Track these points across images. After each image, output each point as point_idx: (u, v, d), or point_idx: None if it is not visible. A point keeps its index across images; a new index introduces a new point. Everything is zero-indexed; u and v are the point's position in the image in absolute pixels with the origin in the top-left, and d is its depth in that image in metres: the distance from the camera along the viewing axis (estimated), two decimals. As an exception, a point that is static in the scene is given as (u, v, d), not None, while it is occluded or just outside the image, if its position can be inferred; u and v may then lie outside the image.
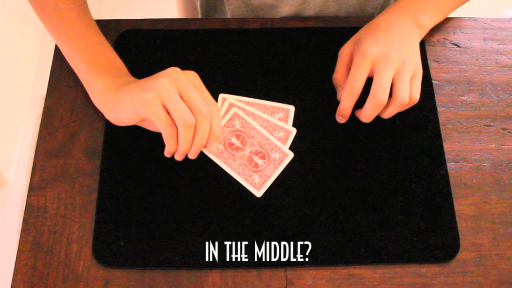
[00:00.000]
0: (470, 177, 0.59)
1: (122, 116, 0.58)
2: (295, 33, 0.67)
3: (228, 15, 0.77)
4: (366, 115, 0.59)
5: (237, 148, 0.57)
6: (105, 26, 0.68)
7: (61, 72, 0.65)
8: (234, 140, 0.56)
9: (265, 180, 0.56)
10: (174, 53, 0.66)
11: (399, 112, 0.61)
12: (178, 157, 0.57)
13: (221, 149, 0.57)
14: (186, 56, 0.66)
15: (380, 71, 0.58)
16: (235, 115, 0.57)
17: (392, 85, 0.58)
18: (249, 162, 0.56)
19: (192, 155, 0.57)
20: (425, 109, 0.63)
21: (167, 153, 0.57)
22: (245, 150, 0.56)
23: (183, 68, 0.58)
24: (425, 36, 0.66)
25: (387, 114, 0.60)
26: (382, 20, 0.62)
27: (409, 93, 0.58)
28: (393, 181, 0.58)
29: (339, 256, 0.55)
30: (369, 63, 0.58)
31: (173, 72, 0.56)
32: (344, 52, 0.63)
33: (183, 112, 0.54)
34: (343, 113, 0.61)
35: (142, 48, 0.67)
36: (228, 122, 0.57)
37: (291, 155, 0.59)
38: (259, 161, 0.56)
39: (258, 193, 0.57)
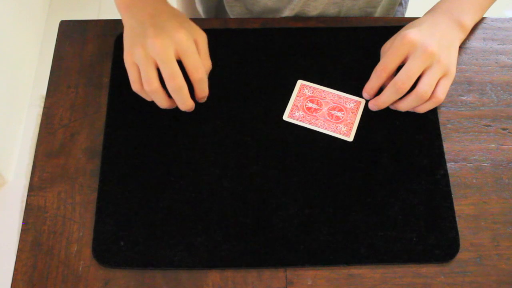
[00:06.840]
0: (470, 177, 0.59)
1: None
2: (295, 33, 0.67)
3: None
4: (383, 99, 0.60)
5: (316, 110, 0.62)
6: (105, 26, 0.68)
7: (61, 72, 0.65)
8: (310, 104, 0.62)
9: (350, 127, 0.60)
10: (174, 53, 0.66)
11: (399, 112, 0.61)
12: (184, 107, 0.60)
13: (303, 114, 0.61)
14: (186, 56, 0.66)
15: (413, 59, 0.58)
16: (303, 86, 0.63)
17: (419, 78, 0.58)
18: (330, 117, 0.61)
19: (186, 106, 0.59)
20: (425, 109, 0.63)
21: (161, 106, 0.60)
22: (323, 109, 0.62)
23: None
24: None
25: (403, 106, 0.60)
26: (425, 19, 0.62)
27: (432, 90, 0.58)
28: (393, 181, 0.58)
29: (339, 256, 0.55)
30: (407, 48, 0.58)
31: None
32: (386, 47, 0.63)
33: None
34: (368, 91, 0.61)
35: (142, 48, 0.66)
36: (299, 92, 0.63)
37: (363, 101, 0.62)
38: (339, 114, 0.62)
39: (349, 138, 0.60)
